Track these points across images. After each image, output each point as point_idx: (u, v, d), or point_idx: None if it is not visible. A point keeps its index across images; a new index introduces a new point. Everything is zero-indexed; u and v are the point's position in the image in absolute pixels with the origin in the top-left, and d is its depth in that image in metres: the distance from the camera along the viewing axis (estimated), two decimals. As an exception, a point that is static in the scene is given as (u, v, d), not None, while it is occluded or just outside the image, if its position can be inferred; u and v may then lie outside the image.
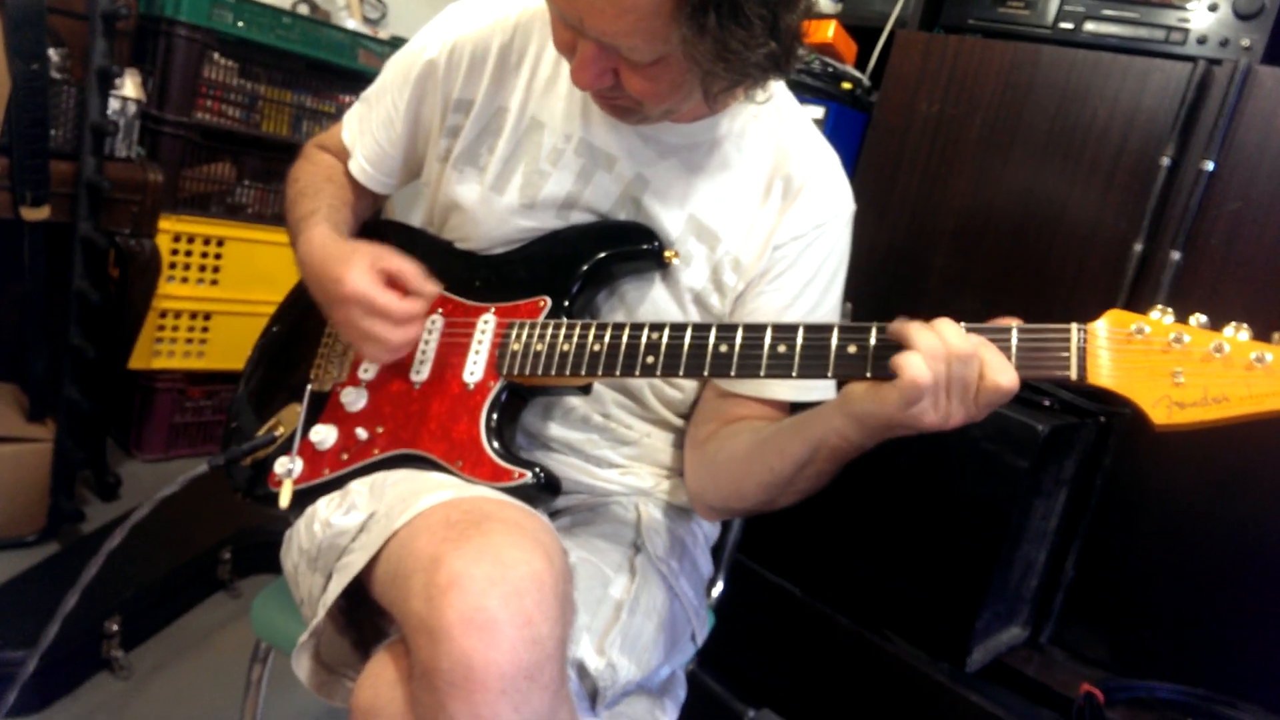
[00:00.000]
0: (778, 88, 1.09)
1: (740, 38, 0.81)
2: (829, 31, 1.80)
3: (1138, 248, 1.47)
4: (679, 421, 1.15)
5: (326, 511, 0.99)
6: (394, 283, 1.02)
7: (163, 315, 2.38)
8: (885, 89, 1.74)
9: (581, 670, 0.89)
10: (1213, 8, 1.47)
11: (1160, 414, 0.75)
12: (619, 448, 1.13)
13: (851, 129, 1.78)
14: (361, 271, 1.00)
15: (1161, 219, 1.47)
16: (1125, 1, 1.54)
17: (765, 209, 1.07)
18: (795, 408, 1.06)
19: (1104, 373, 0.77)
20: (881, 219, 1.72)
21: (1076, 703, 1.37)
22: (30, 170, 1.84)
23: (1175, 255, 1.44)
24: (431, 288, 1.02)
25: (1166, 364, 0.75)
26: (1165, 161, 1.45)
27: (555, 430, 1.11)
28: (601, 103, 0.98)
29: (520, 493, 0.95)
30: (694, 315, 1.09)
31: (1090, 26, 1.56)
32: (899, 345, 0.80)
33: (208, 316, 2.47)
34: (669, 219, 1.07)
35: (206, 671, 1.77)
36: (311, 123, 2.58)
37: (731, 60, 0.83)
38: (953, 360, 0.76)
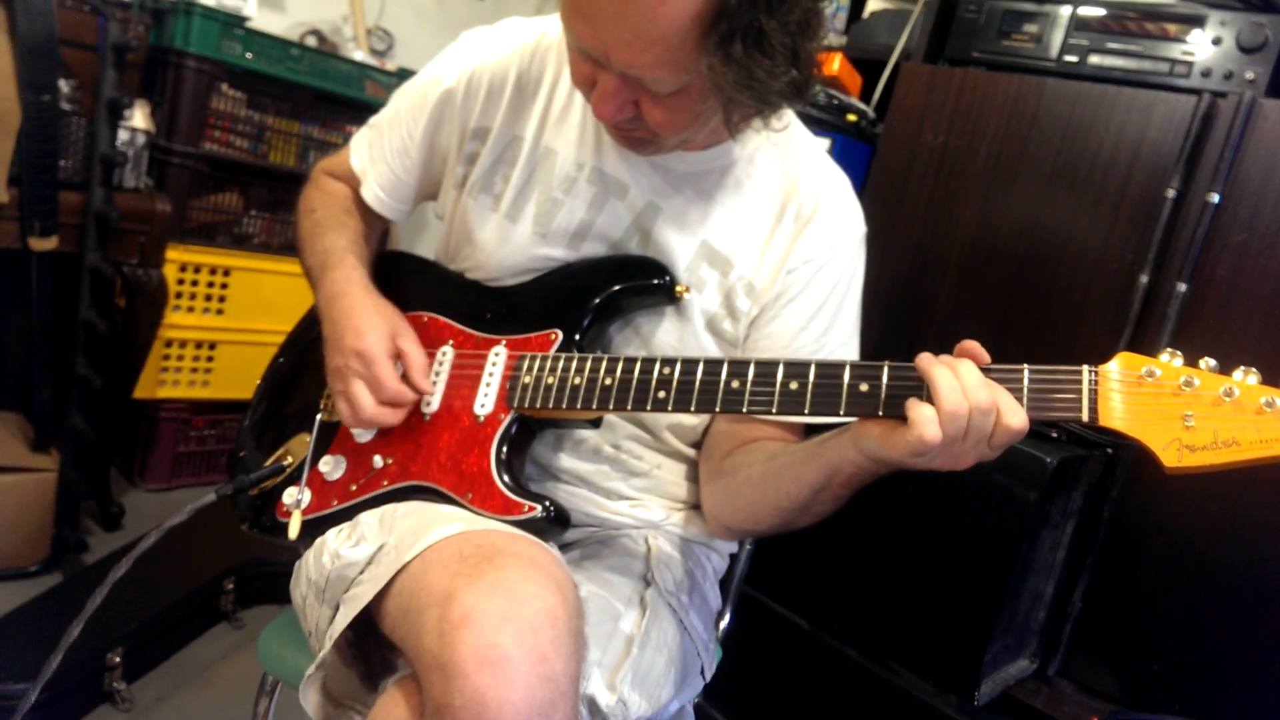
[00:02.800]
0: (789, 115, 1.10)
1: (765, 67, 0.82)
2: (834, 64, 1.81)
3: (1144, 279, 1.47)
4: (690, 453, 1.15)
5: (336, 543, 0.98)
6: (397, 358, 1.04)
7: (168, 345, 2.38)
8: (890, 121, 1.75)
9: (593, 706, 0.88)
10: (1216, 41, 1.48)
11: (1171, 457, 0.76)
12: (630, 479, 1.13)
13: (856, 160, 1.79)
14: (381, 337, 1.03)
15: (1167, 251, 1.47)
16: (1130, 35, 1.55)
17: (778, 234, 1.08)
18: (812, 428, 1.06)
19: (1115, 415, 0.77)
20: (886, 250, 1.73)
21: (1087, 736, 1.36)
22: (39, 200, 1.85)
23: (1181, 287, 1.44)
24: (426, 386, 1.04)
25: (1177, 407, 0.76)
26: (1171, 193, 1.46)
27: (566, 462, 1.11)
28: (617, 134, 0.99)
29: (530, 526, 0.94)
30: (707, 341, 1.09)
31: (1095, 59, 1.58)
32: (911, 386, 0.81)
33: (213, 346, 2.47)
34: (681, 246, 1.07)
35: (209, 704, 1.76)
36: (319, 153, 2.60)
37: (756, 88, 0.84)
38: (973, 414, 0.77)
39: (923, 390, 0.80)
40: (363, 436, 1.07)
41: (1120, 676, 1.51)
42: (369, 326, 1.03)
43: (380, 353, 1.01)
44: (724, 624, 1.35)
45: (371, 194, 1.20)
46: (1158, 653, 1.47)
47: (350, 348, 1.02)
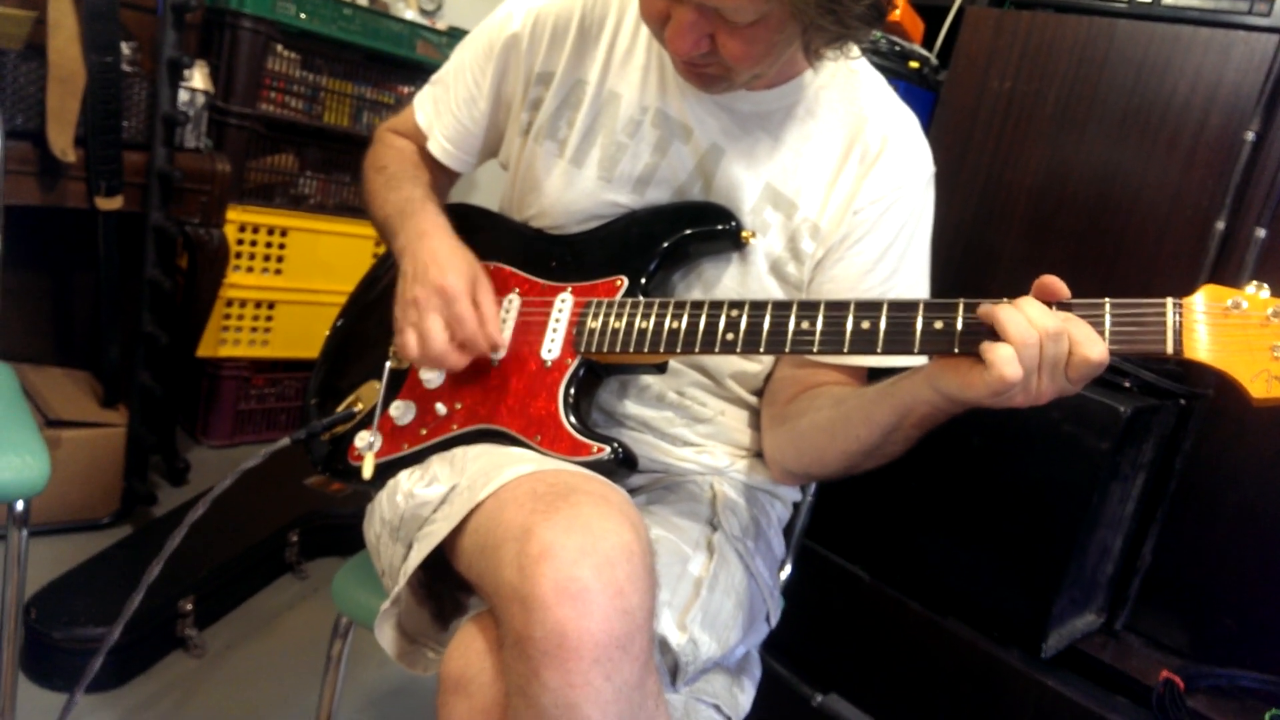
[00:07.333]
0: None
1: None
2: (896, 10, 1.77)
3: (1220, 225, 1.43)
4: (753, 400, 1.15)
5: (409, 483, 1.00)
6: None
7: (228, 304, 2.42)
8: (954, 67, 1.71)
9: (664, 646, 0.89)
10: (1299, -23, 1.42)
11: (1259, 388, 0.74)
12: (694, 426, 1.13)
13: (919, 108, 1.74)
14: (464, 278, 1.02)
15: (1245, 195, 1.42)
16: (1207, -28, 1.50)
17: (844, 174, 1.06)
18: (876, 372, 1.05)
19: (1200, 347, 0.76)
20: (950, 200, 1.67)
21: (1156, 690, 1.34)
22: (104, 160, 1.88)
23: (1260, 233, 1.40)
24: (499, 338, 1.04)
25: (1264, 338, 0.75)
26: (1250, 136, 1.41)
27: (631, 408, 1.11)
28: (688, 71, 0.97)
29: (599, 467, 0.95)
30: (771, 285, 1.08)
31: (1169, -1, 1.52)
32: (987, 324, 0.79)
33: (272, 306, 2.51)
34: (745, 189, 1.06)
35: (277, 651, 1.80)
36: (372, 114, 2.61)
37: (838, 11, 0.83)
38: (1044, 341, 0.75)
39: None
40: (432, 382, 1.08)
41: (1190, 631, 1.49)
42: (454, 267, 1.03)
43: (463, 292, 1.01)
44: (784, 574, 1.35)
45: (439, 147, 1.20)
46: (1230, 608, 1.45)
47: (434, 282, 1.01)
